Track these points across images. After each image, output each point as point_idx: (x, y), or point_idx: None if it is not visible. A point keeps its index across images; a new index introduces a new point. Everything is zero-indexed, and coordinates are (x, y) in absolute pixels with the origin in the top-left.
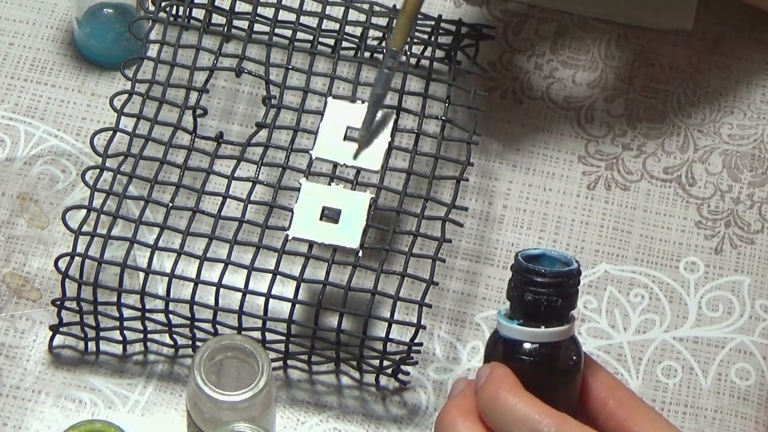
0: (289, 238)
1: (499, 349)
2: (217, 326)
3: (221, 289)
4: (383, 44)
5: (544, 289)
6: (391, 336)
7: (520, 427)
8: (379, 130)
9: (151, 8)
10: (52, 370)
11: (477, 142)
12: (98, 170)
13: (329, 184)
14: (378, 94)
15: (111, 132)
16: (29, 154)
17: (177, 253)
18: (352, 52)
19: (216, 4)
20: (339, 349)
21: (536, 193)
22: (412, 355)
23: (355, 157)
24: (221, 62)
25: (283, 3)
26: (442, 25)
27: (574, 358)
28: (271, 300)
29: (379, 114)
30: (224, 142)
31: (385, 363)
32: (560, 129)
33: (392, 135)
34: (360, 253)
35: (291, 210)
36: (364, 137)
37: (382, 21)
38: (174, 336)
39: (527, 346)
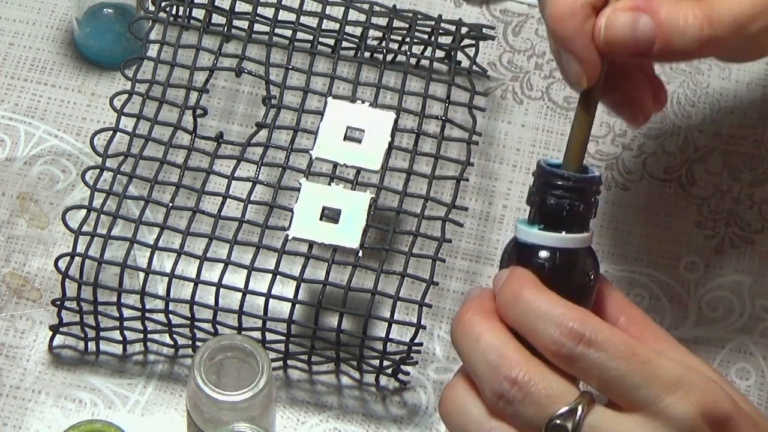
0: (289, 238)
1: (518, 254)
2: (217, 326)
3: (221, 289)
4: (383, 44)
5: (568, 193)
6: (391, 336)
7: (544, 322)
8: None
9: (151, 8)
10: (52, 370)
11: (477, 142)
12: (98, 170)
13: (329, 184)
14: None
15: (111, 132)
16: (29, 154)
17: (177, 253)
18: (352, 52)
19: (216, 4)
20: (339, 349)
21: None
22: (412, 355)
23: None
24: (221, 62)
25: (283, 3)
26: (442, 25)
27: (592, 268)
28: (271, 300)
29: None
30: (224, 142)
31: (385, 363)
32: (560, 129)
33: (392, 135)
34: (360, 253)
35: (291, 210)
36: None
37: (382, 21)
38: (174, 336)
39: (547, 252)
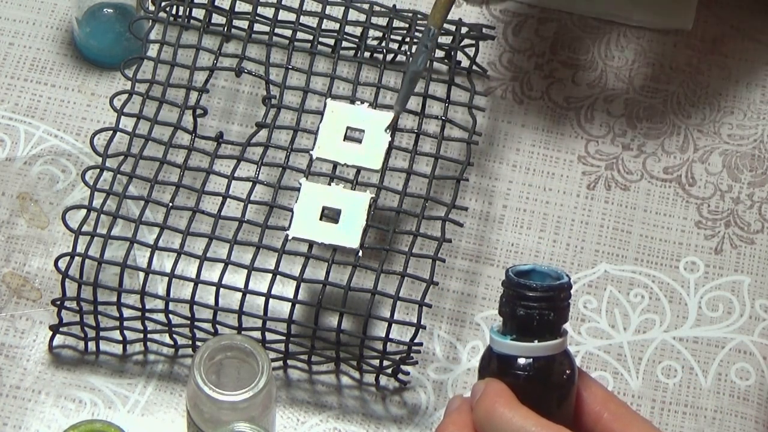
0: (289, 238)
1: (494, 364)
2: (217, 326)
3: (221, 289)
4: (383, 44)
5: (536, 303)
6: (391, 336)
7: None
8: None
9: (151, 8)
10: (52, 370)
11: (477, 142)
12: (98, 170)
13: (329, 184)
14: (415, 71)
15: (111, 132)
16: (29, 154)
17: (177, 253)
18: (352, 52)
19: (216, 4)
20: (339, 349)
21: (536, 193)
22: (412, 355)
23: (387, 129)
24: (221, 62)
25: (283, 3)
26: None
27: (568, 371)
28: (271, 300)
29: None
30: (224, 142)
31: (385, 363)
32: (560, 129)
33: (392, 135)
34: (360, 253)
35: (291, 210)
36: (398, 113)
37: (382, 21)
38: (174, 336)
39: (521, 360)
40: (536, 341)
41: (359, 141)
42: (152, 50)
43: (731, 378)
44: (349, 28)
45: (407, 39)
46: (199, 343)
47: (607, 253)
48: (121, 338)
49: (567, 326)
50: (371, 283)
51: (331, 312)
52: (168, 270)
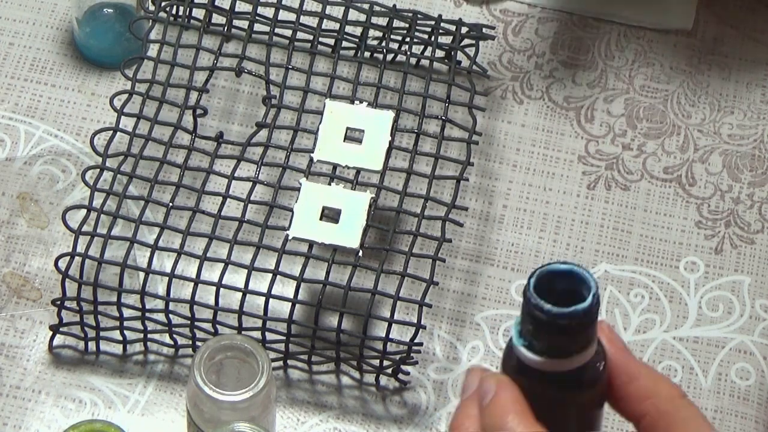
0: (289, 238)
1: (513, 362)
2: (217, 326)
3: (221, 289)
4: (383, 44)
5: (547, 329)
6: (391, 336)
7: None
8: None
9: (151, 8)
10: (52, 370)
11: (477, 142)
12: (98, 170)
13: (329, 184)
14: None
15: (111, 132)
16: (29, 154)
17: (177, 253)
18: (352, 52)
19: (216, 4)
20: (339, 349)
21: (536, 193)
22: (412, 355)
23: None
24: (221, 62)
25: (283, 3)
26: (442, 25)
27: (590, 381)
28: (271, 300)
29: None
30: (224, 142)
31: (385, 363)
32: (560, 129)
33: (392, 135)
34: (360, 253)
35: (291, 210)
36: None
37: (382, 21)
38: (174, 336)
39: (539, 370)
40: (556, 359)
41: (359, 141)
42: (152, 50)
43: (731, 378)
44: (349, 28)
45: (407, 39)
46: (199, 343)
47: (607, 253)
48: (121, 338)
49: None
50: (371, 283)
51: (331, 312)
52: (168, 270)
